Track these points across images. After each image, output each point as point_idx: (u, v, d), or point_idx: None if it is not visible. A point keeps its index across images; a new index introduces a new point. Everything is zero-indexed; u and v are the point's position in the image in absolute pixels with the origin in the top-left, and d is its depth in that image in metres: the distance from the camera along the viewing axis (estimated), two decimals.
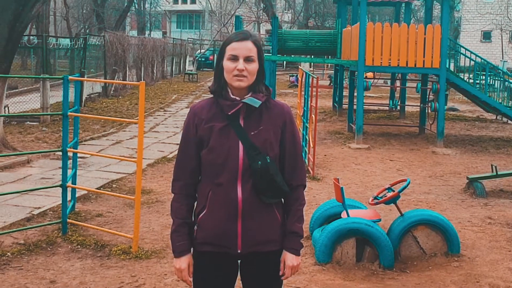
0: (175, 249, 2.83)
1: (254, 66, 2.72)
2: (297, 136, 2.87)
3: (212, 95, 2.82)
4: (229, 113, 2.72)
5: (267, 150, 2.74)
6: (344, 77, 18.34)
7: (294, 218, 2.83)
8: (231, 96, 2.74)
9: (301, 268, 5.09)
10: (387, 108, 18.20)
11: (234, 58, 2.70)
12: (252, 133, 2.73)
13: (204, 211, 2.77)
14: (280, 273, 2.84)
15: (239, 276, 2.92)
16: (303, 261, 5.41)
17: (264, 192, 2.73)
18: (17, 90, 19.65)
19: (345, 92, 17.54)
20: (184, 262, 2.82)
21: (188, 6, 62.82)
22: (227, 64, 2.71)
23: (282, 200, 2.85)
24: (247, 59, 2.70)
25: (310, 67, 33.42)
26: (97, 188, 7.87)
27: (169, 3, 58.25)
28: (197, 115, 2.78)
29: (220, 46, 2.80)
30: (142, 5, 50.96)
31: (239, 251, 2.76)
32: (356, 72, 13.21)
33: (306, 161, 9.84)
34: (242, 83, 2.70)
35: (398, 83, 17.26)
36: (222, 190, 2.72)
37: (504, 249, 6.06)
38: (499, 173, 8.40)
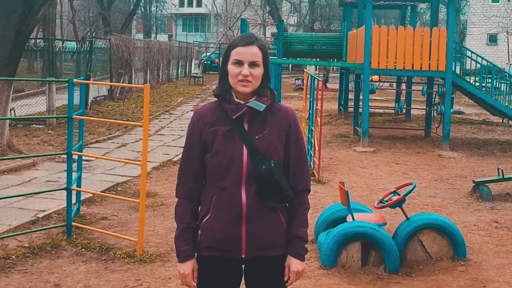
0: (179, 254, 2.81)
1: (259, 71, 2.69)
2: (302, 140, 2.85)
3: (216, 99, 2.80)
4: (233, 117, 2.69)
5: (271, 154, 2.71)
6: (349, 80, 18.29)
7: (298, 222, 2.80)
8: (235, 99, 2.71)
9: (306, 272, 5.07)
10: (392, 111, 18.13)
11: (239, 63, 2.66)
12: (256, 137, 2.71)
13: (208, 216, 2.76)
14: (285, 278, 2.82)
15: (243, 281, 2.90)
16: (308, 265, 5.38)
17: (268, 196, 2.71)
18: (23, 93, 19.73)
19: (351, 95, 17.50)
20: (188, 267, 2.80)
21: (194, 9, 62.93)
22: (231, 68, 2.68)
23: (287, 204, 2.83)
24: (252, 64, 2.66)
25: (316, 70, 33.40)
26: (102, 191, 7.87)
27: (175, 6, 58.38)
28: (201, 118, 2.76)
29: (225, 49, 2.77)
30: (148, 8, 51.12)
31: (243, 255, 2.74)
32: (362, 75, 13.18)
33: (312, 164, 9.82)
34: (247, 88, 2.68)
35: (403, 86, 17.21)
36: (226, 194, 2.70)
37: (511, 253, 6.02)
38: (505, 176, 8.35)
